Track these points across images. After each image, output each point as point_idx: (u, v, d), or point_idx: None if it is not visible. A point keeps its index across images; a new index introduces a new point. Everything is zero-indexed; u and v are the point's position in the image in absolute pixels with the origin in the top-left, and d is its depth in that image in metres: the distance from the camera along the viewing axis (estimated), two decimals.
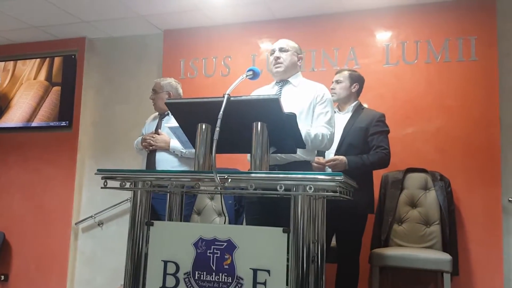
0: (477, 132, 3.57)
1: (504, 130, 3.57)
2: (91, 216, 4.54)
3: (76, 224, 4.61)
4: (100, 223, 4.58)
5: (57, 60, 4.86)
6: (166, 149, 3.24)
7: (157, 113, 3.51)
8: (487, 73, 3.60)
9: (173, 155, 3.25)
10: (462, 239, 3.48)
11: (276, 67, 2.62)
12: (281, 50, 2.61)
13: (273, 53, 2.63)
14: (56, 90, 4.83)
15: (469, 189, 3.53)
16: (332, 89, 3.14)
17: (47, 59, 4.90)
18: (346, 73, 3.18)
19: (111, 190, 2.18)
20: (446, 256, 2.98)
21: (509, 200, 3.48)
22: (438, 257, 2.99)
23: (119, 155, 4.61)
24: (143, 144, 3.30)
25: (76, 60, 4.81)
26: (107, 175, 2.10)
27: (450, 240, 3.30)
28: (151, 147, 3.27)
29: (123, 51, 4.81)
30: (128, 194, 4.01)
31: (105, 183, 2.10)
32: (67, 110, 4.75)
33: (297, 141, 2.12)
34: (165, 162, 3.24)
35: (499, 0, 3.67)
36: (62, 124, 4.74)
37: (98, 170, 2.13)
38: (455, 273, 3.24)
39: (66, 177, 4.68)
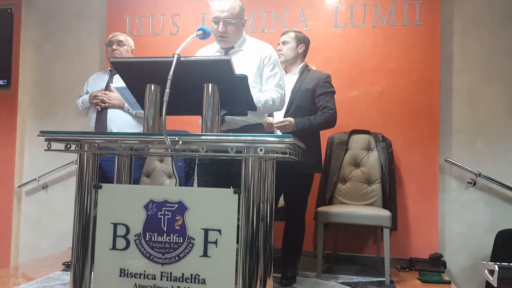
0: (418, 95, 3.73)
1: (443, 93, 3.75)
2: (35, 179, 4.40)
3: (19, 187, 4.45)
4: (44, 186, 4.45)
5: None
6: (121, 106, 3.05)
7: (102, 70, 3.34)
8: (430, 37, 3.73)
9: (127, 113, 3.09)
10: (401, 196, 3.69)
11: (221, 40, 2.54)
12: (226, 23, 2.48)
13: (217, 22, 2.49)
14: None
15: (409, 149, 3.72)
16: (279, 50, 3.15)
17: None
18: (292, 34, 3.19)
19: (55, 152, 2.11)
20: (386, 213, 3.15)
21: (446, 160, 3.71)
22: (378, 214, 3.16)
23: (61, 115, 4.44)
24: (94, 101, 3.08)
25: (12, 15, 4.49)
26: (50, 137, 2.01)
27: (390, 198, 3.50)
28: (104, 105, 3.06)
29: (63, 6, 4.54)
30: (74, 156, 3.92)
31: (49, 145, 2.02)
32: (4, 68, 4.47)
33: (248, 104, 2.13)
34: (118, 120, 3.06)
35: None
36: (0, 83, 4.49)
37: (40, 132, 2.04)
38: (394, 228, 3.46)
39: (6, 139, 4.47)
